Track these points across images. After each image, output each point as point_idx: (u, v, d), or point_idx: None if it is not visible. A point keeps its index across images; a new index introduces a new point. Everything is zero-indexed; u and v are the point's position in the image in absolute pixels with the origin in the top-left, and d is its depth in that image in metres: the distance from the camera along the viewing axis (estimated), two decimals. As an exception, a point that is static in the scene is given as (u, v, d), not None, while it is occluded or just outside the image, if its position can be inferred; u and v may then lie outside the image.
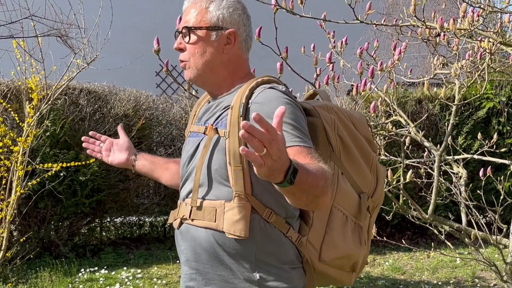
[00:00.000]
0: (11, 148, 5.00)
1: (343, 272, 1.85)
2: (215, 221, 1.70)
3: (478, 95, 3.43)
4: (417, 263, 6.22)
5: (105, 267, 5.86)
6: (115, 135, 6.08)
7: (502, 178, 3.99)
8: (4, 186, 5.05)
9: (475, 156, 3.80)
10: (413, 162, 3.90)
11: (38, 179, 5.28)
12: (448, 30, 3.02)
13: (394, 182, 3.41)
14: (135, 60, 8.40)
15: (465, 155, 3.81)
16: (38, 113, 5.09)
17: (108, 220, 7.15)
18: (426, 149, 3.67)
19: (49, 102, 5.20)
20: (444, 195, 3.96)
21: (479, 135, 4.14)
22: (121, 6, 7.55)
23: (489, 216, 4.65)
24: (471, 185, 4.15)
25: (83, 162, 5.54)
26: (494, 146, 3.86)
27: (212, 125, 1.76)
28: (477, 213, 3.80)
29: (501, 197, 3.72)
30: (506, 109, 7.27)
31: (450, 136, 3.40)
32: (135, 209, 6.82)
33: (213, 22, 1.79)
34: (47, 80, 5.24)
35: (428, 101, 7.12)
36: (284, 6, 2.96)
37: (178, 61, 1.86)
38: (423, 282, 5.53)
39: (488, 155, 3.89)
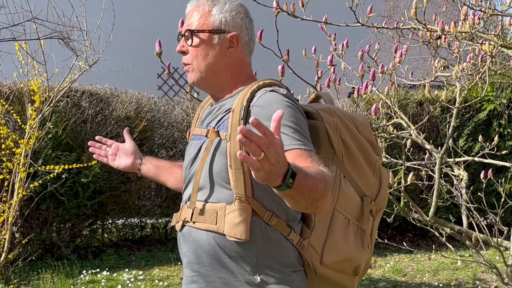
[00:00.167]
0: (13, 150, 5.01)
1: (345, 276, 1.84)
2: (216, 224, 1.71)
3: (480, 97, 3.43)
4: (418, 265, 6.22)
5: (107, 268, 5.87)
6: (117, 137, 6.10)
7: (503, 180, 4.00)
8: (6, 188, 5.06)
9: (476, 159, 3.81)
10: (414, 164, 3.91)
11: (40, 181, 5.29)
12: (449, 33, 3.03)
13: (395, 185, 3.42)
14: (137, 62, 8.41)
15: (466, 158, 3.82)
16: (40, 115, 5.11)
17: (110, 222, 7.15)
18: (427, 151, 3.68)
19: (51, 104, 5.22)
20: (445, 197, 3.96)
21: (480, 137, 4.15)
22: (123, 8, 7.57)
23: (490, 218, 4.66)
24: (472, 187, 4.16)
25: (85, 164, 5.55)
26: (495, 148, 3.87)
27: (213, 128, 1.77)
28: (478, 215, 3.81)
29: (502, 199, 3.72)
30: (507, 111, 7.28)
31: (451, 139, 3.41)
32: (137, 211, 6.83)
33: (215, 25, 1.81)
34: (49, 82, 5.25)
35: (429, 103, 7.12)
36: (286, 9, 2.98)
37: (179, 63, 1.88)
38: (424, 284, 5.53)
39: (489, 158, 3.90)
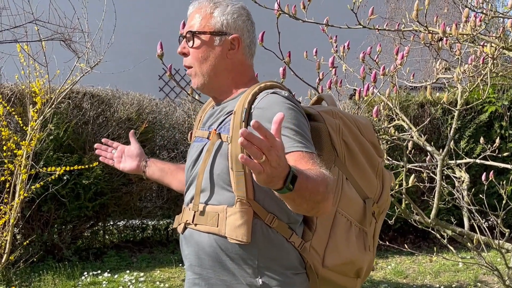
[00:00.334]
0: (14, 151, 5.02)
1: (347, 278, 1.83)
2: (217, 226, 1.71)
3: (481, 100, 3.43)
4: (419, 267, 6.22)
5: (108, 270, 5.87)
6: (118, 138, 6.10)
7: (504, 182, 4.00)
8: (8, 189, 5.06)
9: (478, 161, 3.81)
10: (416, 166, 3.91)
11: (41, 183, 5.29)
12: (451, 35, 3.03)
13: (396, 187, 3.42)
14: (138, 64, 8.42)
15: (468, 160, 3.82)
16: (42, 116, 5.11)
17: (111, 223, 7.16)
18: (428, 153, 3.68)
19: (53, 106, 5.22)
20: (447, 199, 3.96)
21: (482, 139, 4.15)
22: (124, 10, 7.58)
23: (491, 220, 4.65)
24: (473, 189, 4.15)
25: (86, 166, 5.56)
26: (496, 150, 3.86)
27: (215, 130, 1.77)
28: (479, 218, 3.80)
29: (504, 202, 3.72)
30: (508, 113, 7.27)
31: (452, 140, 3.41)
32: (138, 213, 6.83)
33: (217, 28, 1.81)
34: (50, 84, 5.25)
35: (430, 105, 7.12)
36: (287, 11, 2.98)
37: (181, 65, 1.88)
38: (425, 286, 5.53)
39: (490, 159, 3.90)
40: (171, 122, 7.03)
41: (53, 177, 5.23)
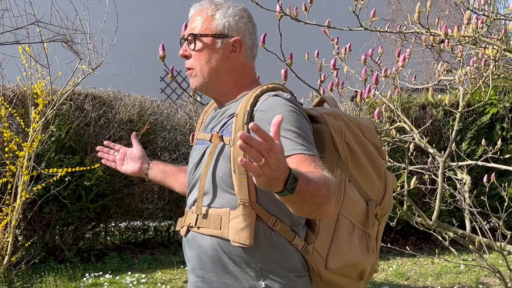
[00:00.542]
0: (16, 153, 5.03)
1: (350, 280, 1.83)
2: (220, 229, 1.71)
3: (483, 102, 3.43)
4: (421, 269, 6.22)
5: (110, 272, 5.87)
6: (120, 140, 6.11)
7: (506, 184, 3.99)
8: (10, 191, 5.07)
9: (479, 163, 3.80)
10: (417, 168, 3.91)
11: (43, 184, 5.30)
12: (452, 37, 3.03)
13: (398, 188, 3.42)
14: (140, 65, 8.42)
15: (469, 162, 3.82)
16: (44, 118, 5.12)
17: (113, 225, 7.16)
18: (430, 155, 3.67)
19: (55, 108, 5.23)
20: (448, 201, 3.96)
21: (483, 141, 4.14)
22: (126, 11, 7.59)
23: (493, 222, 4.65)
24: (475, 191, 4.14)
25: (88, 167, 5.56)
26: (498, 152, 3.86)
27: (217, 132, 1.77)
28: (481, 219, 3.80)
29: (506, 203, 3.71)
30: (509, 115, 7.27)
31: (454, 142, 3.41)
32: (140, 214, 6.83)
33: (218, 30, 1.81)
34: (52, 85, 5.26)
35: (432, 106, 7.12)
36: (289, 13, 2.98)
37: (182, 67, 1.88)
38: (427, 287, 5.53)
39: (492, 161, 3.89)
40: (173, 124, 7.03)
41: (54, 178, 5.24)
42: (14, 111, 5.33)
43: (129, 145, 2.34)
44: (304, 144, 1.60)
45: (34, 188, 5.19)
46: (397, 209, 3.55)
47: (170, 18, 8.71)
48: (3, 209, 5.05)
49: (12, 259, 5.19)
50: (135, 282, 5.55)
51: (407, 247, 4.35)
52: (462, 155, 4.28)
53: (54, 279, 5.44)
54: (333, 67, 3.03)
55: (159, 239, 7.33)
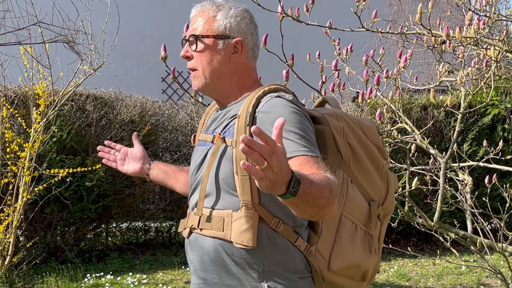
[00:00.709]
0: (18, 153, 5.03)
1: (353, 281, 1.83)
2: (223, 231, 1.70)
3: (485, 103, 3.43)
4: (422, 270, 6.21)
5: (111, 272, 5.87)
6: (121, 141, 6.11)
7: (507, 185, 3.99)
8: (11, 191, 5.08)
9: (481, 164, 3.80)
10: (419, 169, 3.91)
11: (44, 185, 5.31)
12: (454, 38, 3.03)
13: (399, 189, 3.41)
14: (141, 66, 8.42)
15: (471, 163, 3.81)
16: (45, 119, 5.13)
17: (114, 225, 7.16)
18: (431, 156, 3.67)
19: (56, 108, 5.23)
20: (450, 202, 3.95)
21: (485, 142, 4.14)
22: (127, 12, 7.58)
23: (494, 223, 4.65)
24: (476, 192, 4.14)
25: (89, 168, 5.57)
26: (500, 153, 3.86)
27: (219, 134, 1.77)
28: (482, 220, 3.79)
29: (507, 204, 3.71)
30: (511, 116, 7.27)
31: (455, 143, 3.40)
32: (141, 215, 6.83)
33: (220, 31, 1.80)
34: (54, 86, 5.27)
35: (433, 107, 7.12)
36: (290, 14, 2.98)
37: (184, 67, 1.88)
38: (428, 289, 5.52)
39: (494, 162, 3.89)
40: (174, 125, 7.04)
41: (56, 179, 5.25)
42: (16, 111, 5.33)
43: (130, 145, 2.33)
44: (307, 146, 1.59)
45: (36, 189, 5.19)
46: (398, 210, 3.55)
47: (171, 19, 8.70)
48: (4, 209, 5.06)
49: (13, 259, 5.20)
50: (136, 283, 5.55)
51: (408, 248, 4.35)
52: (463, 156, 4.28)
53: (56, 280, 5.44)
54: (334, 68, 3.02)
55: (160, 240, 7.33)
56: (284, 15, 2.90)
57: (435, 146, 5.82)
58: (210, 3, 1.84)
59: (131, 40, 10.20)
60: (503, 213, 3.70)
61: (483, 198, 4.21)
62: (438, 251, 4.72)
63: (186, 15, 1.89)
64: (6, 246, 5.13)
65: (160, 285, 5.50)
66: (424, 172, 3.96)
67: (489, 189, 3.78)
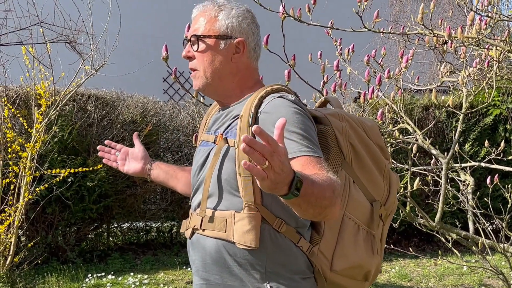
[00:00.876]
0: (19, 153, 5.03)
1: (356, 282, 1.82)
2: (225, 232, 1.70)
3: (486, 103, 3.42)
4: (423, 270, 6.21)
5: (112, 272, 5.88)
6: (122, 141, 6.11)
7: (509, 185, 3.99)
8: (12, 191, 5.08)
9: (483, 164, 3.80)
10: (420, 170, 3.90)
11: (46, 185, 5.31)
12: (456, 39, 3.02)
13: (401, 190, 3.41)
14: (143, 66, 8.43)
15: (473, 163, 3.81)
16: (47, 119, 5.13)
17: (115, 225, 7.16)
18: (433, 157, 3.67)
19: (58, 108, 5.23)
20: (451, 202, 3.95)
21: (486, 143, 4.14)
22: (129, 12, 7.59)
23: (496, 223, 4.64)
24: (478, 192, 4.14)
25: (91, 168, 5.57)
26: (501, 153, 3.86)
27: (222, 134, 1.76)
28: (484, 221, 3.79)
29: (509, 205, 3.71)
30: (513, 116, 7.26)
31: (457, 144, 3.40)
32: (142, 215, 6.83)
33: (222, 31, 1.80)
34: (55, 86, 5.27)
35: (435, 108, 7.11)
36: (292, 14, 2.98)
37: (185, 68, 1.87)
38: (429, 289, 5.52)
39: (495, 163, 3.89)
40: (175, 125, 7.03)
41: (57, 179, 5.25)
42: (17, 111, 5.33)
43: (132, 146, 2.32)
44: (309, 146, 1.59)
45: (37, 189, 5.19)
46: (400, 210, 3.54)
47: (173, 19, 8.71)
48: (6, 209, 5.06)
49: (15, 259, 5.20)
50: (137, 283, 5.55)
51: (410, 248, 4.34)
52: (465, 156, 4.28)
53: (57, 280, 5.44)
54: (336, 68, 3.02)
55: (162, 240, 7.33)
56: (286, 15, 2.90)
57: (437, 146, 5.82)
58: (212, 3, 1.84)
59: (133, 40, 10.21)
60: (504, 213, 3.69)
61: (485, 199, 4.20)
62: (439, 252, 4.71)
63: (188, 15, 1.89)
64: (7, 246, 5.13)
65: (162, 285, 5.50)
66: (426, 172, 3.96)
67: (490, 190, 3.78)
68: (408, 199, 3.43)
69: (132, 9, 10.07)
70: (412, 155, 3.45)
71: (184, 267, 6.07)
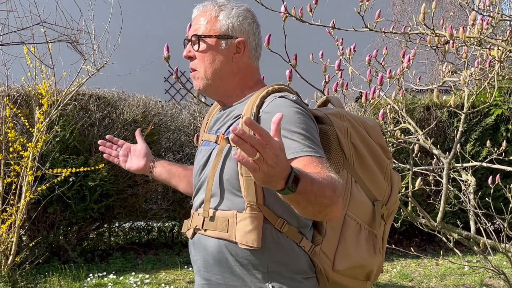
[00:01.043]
0: (21, 153, 5.04)
1: (357, 281, 1.82)
2: (227, 232, 1.69)
3: (488, 103, 3.42)
4: (425, 270, 6.21)
5: (114, 272, 5.88)
6: (124, 140, 6.11)
7: (511, 185, 3.98)
8: (14, 191, 5.08)
9: (484, 164, 3.80)
10: (422, 169, 3.90)
11: (47, 184, 5.31)
12: (458, 38, 3.02)
13: (402, 189, 3.41)
14: (144, 66, 8.43)
15: (474, 163, 3.81)
16: (48, 118, 5.13)
17: (117, 225, 7.17)
18: (434, 156, 3.67)
19: (59, 108, 5.24)
20: (453, 202, 3.95)
21: (488, 142, 4.14)
22: (130, 12, 7.59)
23: (497, 223, 4.64)
24: (479, 192, 4.14)
25: (92, 168, 5.57)
26: (503, 153, 3.85)
27: (223, 134, 1.76)
28: (485, 221, 3.79)
29: (510, 205, 3.71)
30: (514, 116, 7.25)
31: (458, 144, 3.40)
32: (144, 215, 6.84)
33: (223, 31, 1.80)
34: (57, 86, 5.27)
35: (436, 107, 7.11)
36: (294, 14, 2.98)
37: (186, 67, 1.87)
38: (431, 289, 5.51)
39: (497, 163, 3.88)
40: (177, 124, 7.04)
41: (59, 178, 5.25)
42: (19, 111, 5.34)
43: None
44: (311, 146, 1.59)
45: (39, 188, 5.19)
46: (401, 210, 3.54)
47: (174, 18, 8.70)
48: (7, 209, 5.07)
49: (16, 259, 5.20)
50: (139, 283, 5.55)
51: (411, 248, 4.34)
52: (466, 156, 4.28)
53: (58, 279, 5.45)
54: (337, 68, 3.02)
55: (163, 240, 7.33)
56: (287, 15, 2.90)
57: (438, 146, 5.81)
58: (212, 3, 1.84)
59: (134, 40, 10.20)
60: (506, 213, 3.69)
61: (486, 199, 4.20)
62: (441, 252, 4.71)
63: (189, 15, 1.89)
64: (9, 245, 5.14)
65: (163, 285, 5.50)
66: (427, 172, 3.96)
67: (492, 190, 3.77)
68: (410, 199, 3.43)
69: (133, 9, 10.08)
70: (413, 155, 3.45)
71: (186, 266, 6.07)
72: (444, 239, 3.78)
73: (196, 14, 1.86)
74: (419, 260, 6.58)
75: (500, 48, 3.13)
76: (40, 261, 5.71)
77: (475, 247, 3.55)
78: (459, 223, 4.89)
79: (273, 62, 2.93)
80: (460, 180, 3.89)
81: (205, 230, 1.76)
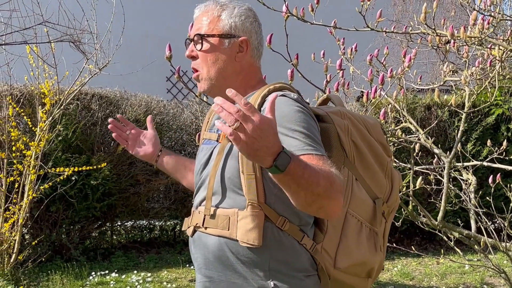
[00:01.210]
0: (23, 152, 5.06)
1: (359, 279, 1.82)
2: (228, 230, 1.69)
3: (489, 102, 3.43)
4: (425, 269, 6.22)
5: (116, 270, 5.90)
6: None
7: (511, 184, 4.00)
8: (17, 190, 5.10)
9: (485, 163, 3.81)
10: (423, 169, 3.91)
11: (50, 183, 5.33)
12: (459, 38, 3.03)
13: (403, 189, 3.43)
14: (146, 65, 8.45)
15: (475, 162, 3.82)
16: (51, 117, 5.15)
17: (119, 224, 7.19)
18: (435, 156, 3.68)
19: (62, 107, 5.26)
20: (454, 201, 3.96)
21: (489, 142, 4.15)
22: (133, 12, 7.61)
23: (498, 222, 4.65)
24: (480, 191, 4.15)
25: (95, 167, 5.59)
26: (503, 152, 3.87)
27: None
28: (486, 220, 3.80)
29: (511, 204, 3.72)
30: (515, 116, 7.26)
31: (459, 143, 3.41)
32: (146, 213, 6.86)
33: (225, 30, 1.80)
34: (59, 85, 5.29)
35: (437, 107, 7.12)
36: (295, 14, 3.00)
37: (188, 67, 1.88)
38: (431, 287, 5.53)
39: (497, 162, 3.90)
40: (179, 124, 7.05)
41: (61, 177, 5.27)
42: (22, 110, 5.36)
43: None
44: (312, 145, 1.59)
45: (41, 187, 5.22)
46: (402, 209, 3.56)
47: (176, 18, 8.73)
48: (10, 207, 5.09)
49: (19, 257, 5.22)
50: (141, 281, 5.57)
51: (412, 247, 4.35)
52: (467, 155, 4.29)
53: (61, 278, 5.47)
54: (339, 68, 3.04)
55: (165, 238, 7.35)
56: (289, 14, 2.91)
57: (439, 145, 5.83)
58: (214, 2, 1.84)
59: (136, 39, 10.23)
60: (506, 212, 3.70)
61: (487, 198, 4.21)
62: (441, 250, 4.73)
63: (191, 15, 1.90)
64: (11, 244, 5.16)
65: (165, 283, 5.52)
66: (428, 171, 3.97)
67: (493, 189, 3.79)
68: (411, 198, 3.44)
69: (136, 9, 10.10)
70: (414, 154, 3.46)
71: (187, 265, 6.09)
72: (445, 238, 3.79)
73: (198, 13, 1.86)
74: (420, 259, 6.59)
75: (501, 47, 3.15)
76: (43, 259, 5.73)
77: (475, 246, 3.56)
78: (459, 222, 4.90)
79: (275, 61, 2.94)
80: (461, 179, 3.90)
81: (206, 228, 1.75)
